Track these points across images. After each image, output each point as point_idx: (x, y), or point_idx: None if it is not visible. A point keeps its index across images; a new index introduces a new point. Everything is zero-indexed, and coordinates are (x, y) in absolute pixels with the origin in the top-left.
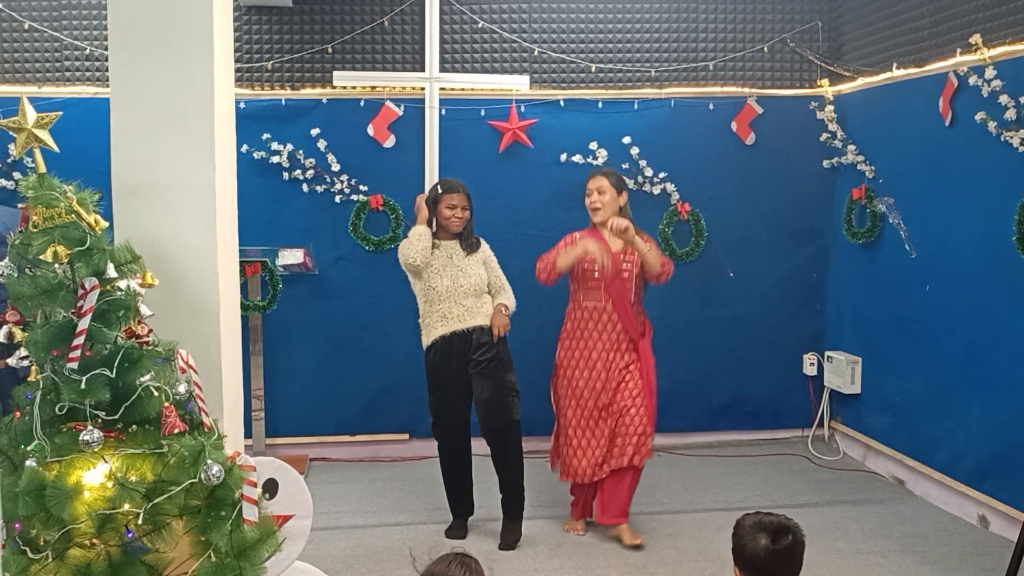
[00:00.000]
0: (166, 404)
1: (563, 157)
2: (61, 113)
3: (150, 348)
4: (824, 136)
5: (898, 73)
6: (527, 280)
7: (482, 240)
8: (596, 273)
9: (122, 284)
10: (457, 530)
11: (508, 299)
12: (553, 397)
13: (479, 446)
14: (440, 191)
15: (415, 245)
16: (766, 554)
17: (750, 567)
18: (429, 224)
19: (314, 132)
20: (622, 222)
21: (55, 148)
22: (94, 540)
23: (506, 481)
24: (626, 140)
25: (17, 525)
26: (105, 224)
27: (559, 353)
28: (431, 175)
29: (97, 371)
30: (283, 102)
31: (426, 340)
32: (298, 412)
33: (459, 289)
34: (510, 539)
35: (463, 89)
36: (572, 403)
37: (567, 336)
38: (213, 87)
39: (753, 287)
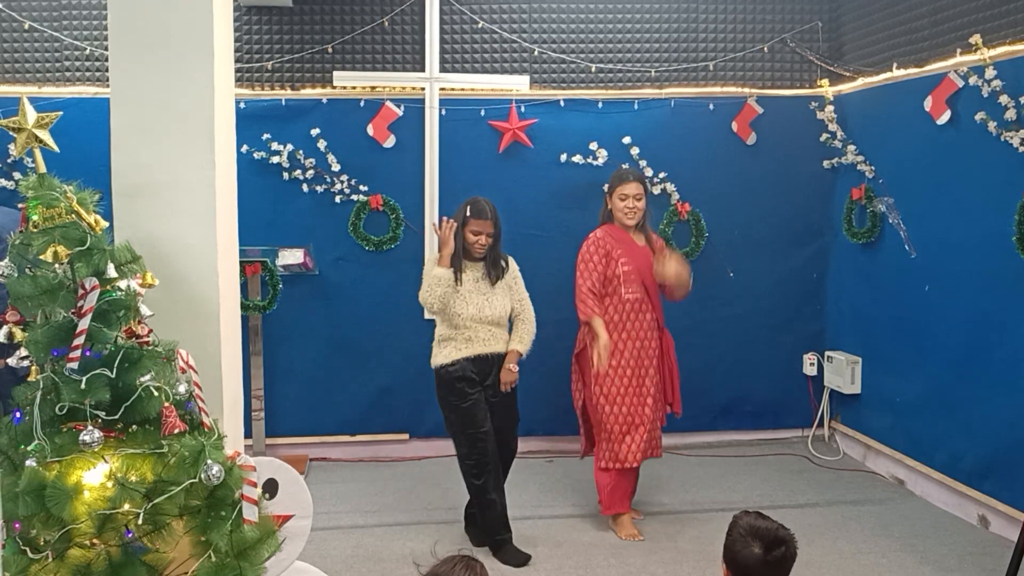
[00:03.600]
0: (166, 404)
1: (563, 157)
2: (61, 113)
3: (150, 348)
4: (824, 136)
5: (898, 73)
6: (527, 281)
7: (511, 260)
8: (632, 276)
9: (122, 284)
10: (516, 556)
11: (525, 332)
12: (593, 391)
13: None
14: (468, 215)
15: (434, 292)
16: (756, 563)
17: (739, 571)
18: (455, 252)
19: (314, 132)
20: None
21: (55, 148)
22: (94, 540)
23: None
24: (626, 140)
25: (17, 525)
26: (105, 224)
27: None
28: (431, 175)
29: (97, 371)
30: (283, 102)
31: (445, 359)
32: (298, 412)
33: (484, 318)
34: (482, 540)
35: (463, 89)
36: (625, 390)
37: (610, 329)
38: (213, 87)
39: (753, 287)
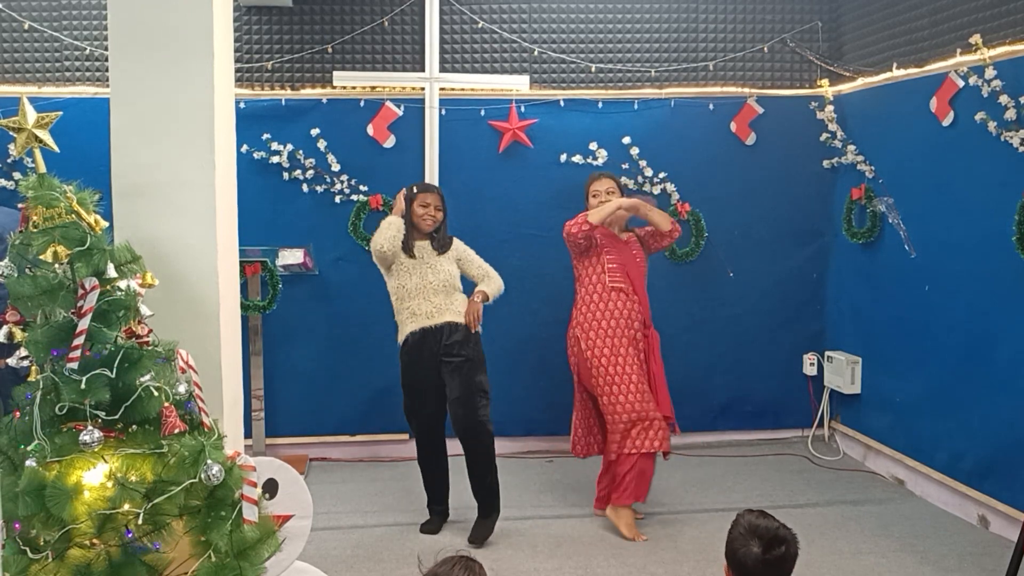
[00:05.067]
0: (166, 404)
1: (563, 157)
2: (61, 113)
3: (150, 348)
4: (824, 136)
5: (898, 73)
6: (527, 280)
7: (455, 239)
8: (616, 270)
9: (122, 284)
10: (429, 525)
11: (491, 285)
12: (600, 381)
13: (455, 445)
14: (415, 191)
15: (384, 233)
16: (754, 562)
17: (738, 569)
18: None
19: (314, 132)
20: (629, 202)
21: (55, 148)
22: (94, 540)
23: (475, 479)
24: (626, 140)
25: (17, 525)
26: (105, 224)
27: (590, 337)
28: (431, 175)
29: (97, 371)
30: (283, 102)
31: (399, 338)
32: (298, 412)
33: (428, 286)
34: (479, 535)
35: (463, 89)
36: (631, 378)
37: (595, 319)
38: (213, 87)
39: (753, 287)
